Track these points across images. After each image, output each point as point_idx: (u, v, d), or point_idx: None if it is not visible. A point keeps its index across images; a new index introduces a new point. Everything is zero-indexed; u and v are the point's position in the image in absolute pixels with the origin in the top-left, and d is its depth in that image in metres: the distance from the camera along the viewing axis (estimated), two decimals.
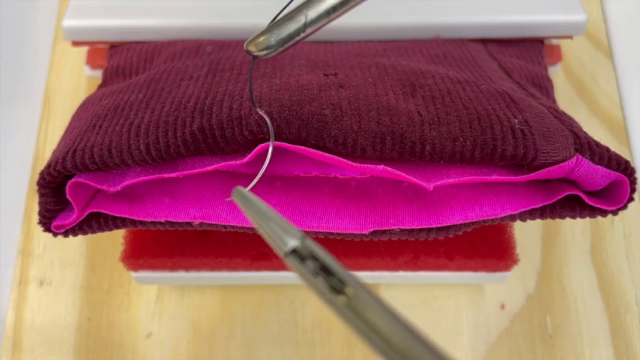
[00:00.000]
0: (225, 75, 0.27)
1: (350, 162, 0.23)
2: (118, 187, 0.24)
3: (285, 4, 0.20)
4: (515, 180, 0.24)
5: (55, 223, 0.25)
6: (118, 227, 0.26)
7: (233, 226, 0.25)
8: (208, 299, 0.35)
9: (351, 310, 0.14)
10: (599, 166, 0.23)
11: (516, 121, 0.24)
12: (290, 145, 0.23)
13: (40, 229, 0.25)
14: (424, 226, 0.25)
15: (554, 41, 0.34)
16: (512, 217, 0.25)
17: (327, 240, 0.27)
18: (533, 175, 0.23)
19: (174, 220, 0.25)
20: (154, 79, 0.28)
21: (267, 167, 0.22)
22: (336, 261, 0.15)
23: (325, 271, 0.14)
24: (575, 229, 0.37)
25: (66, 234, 0.26)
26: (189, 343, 0.34)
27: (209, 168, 0.23)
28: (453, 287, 0.36)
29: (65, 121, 0.36)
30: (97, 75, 0.35)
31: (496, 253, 0.31)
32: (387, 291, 0.36)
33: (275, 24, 0.20)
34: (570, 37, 0.33)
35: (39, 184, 0.24)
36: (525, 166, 0.23)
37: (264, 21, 0.20)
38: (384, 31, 0.32)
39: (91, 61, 0.35)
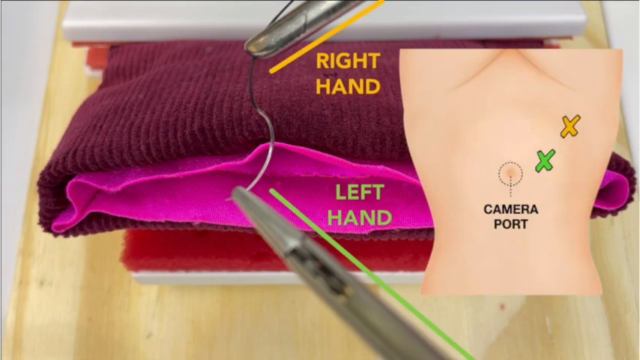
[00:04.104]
0: (226, 75, 0.27)
1: (350, 162, 0.23)
2: (119, 188, 0.24)
3: (285, 5, 0.20)
4: None
5: (55, 224, 0.25)
6: (118, 227, 0.26)
7: (233, 226, 0.25)
8: (208, 299, 0.35)
9: (350, 310, 0.14)
10: None
11: None
12: (290, 145, 0.23)
13: (40, 229, 0.25)
14: (424, 226, 0.25)
15: (554, 41, 0.34)
16: None
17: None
18: None
19: (174, 221, 0.25)
20: (154, 80, 0.28)
21: (267, 167, 0.22)
22: (336, 261, 0.15)
23: (325, 271, 0.14)
24: None
25: (66, 234, 0.26)
26: (189, 343, 0.35)
27: (209, 168, 0.23)
28: None
29: (65, 121, 0.36)
30: (97, 75, 0.35)
31: None
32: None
33: (275, 24, 0.20)
34: (570, 37, 0.33)
35: (39, 184, 0.24)
36: None
37: (264, 21, 0.20)
38: (384, 31, 0.32)
39: (91, 62, 0.35)
